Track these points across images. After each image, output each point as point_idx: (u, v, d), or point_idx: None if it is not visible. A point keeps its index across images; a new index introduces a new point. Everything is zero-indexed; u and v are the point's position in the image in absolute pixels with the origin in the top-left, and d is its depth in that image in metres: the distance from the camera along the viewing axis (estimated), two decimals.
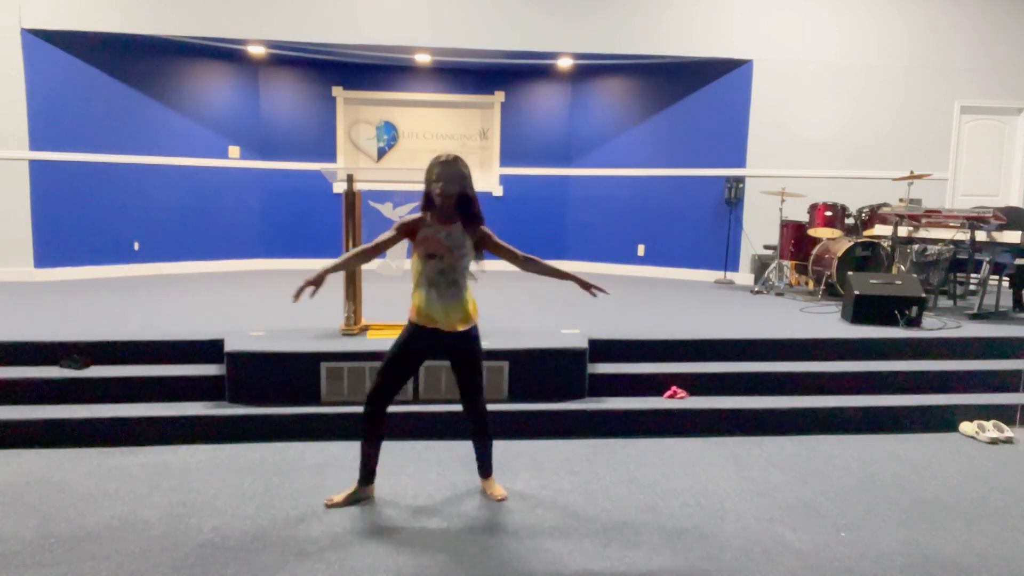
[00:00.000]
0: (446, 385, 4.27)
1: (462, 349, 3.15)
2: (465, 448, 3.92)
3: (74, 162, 7.59)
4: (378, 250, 3.11)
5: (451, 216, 3.05)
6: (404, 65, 8.71)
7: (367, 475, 3.28)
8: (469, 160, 3.13)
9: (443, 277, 3.04)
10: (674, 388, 4.48)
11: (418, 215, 3.09)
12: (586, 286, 3.21)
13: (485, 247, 3.13)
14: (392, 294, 5.88)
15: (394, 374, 3.14)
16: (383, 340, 4.54)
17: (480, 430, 3.32)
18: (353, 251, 3.20)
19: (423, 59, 8.39)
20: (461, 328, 3.10)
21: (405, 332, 3.16)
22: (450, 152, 3.05)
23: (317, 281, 2.95)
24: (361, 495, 3.28)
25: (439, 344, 3.13)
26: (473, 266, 3.15)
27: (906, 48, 7.98)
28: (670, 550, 2.88)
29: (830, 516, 3.23)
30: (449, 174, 2.98)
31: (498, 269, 3.45)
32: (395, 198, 4.94)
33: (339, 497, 3.25)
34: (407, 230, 3.08)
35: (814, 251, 6.96)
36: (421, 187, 3.06)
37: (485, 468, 3.42)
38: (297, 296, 2.89)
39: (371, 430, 3.21)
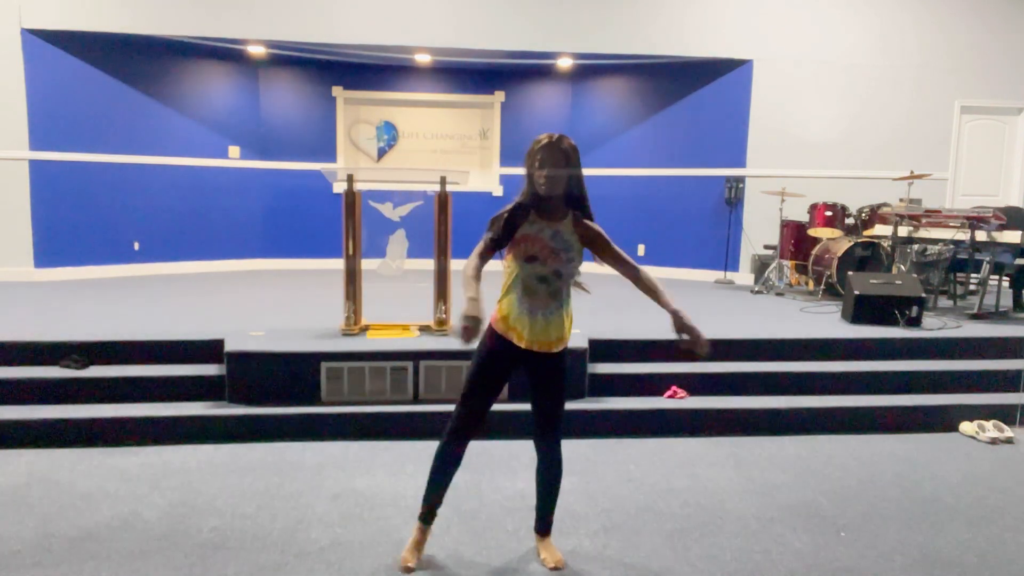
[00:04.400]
0: (446, 385, 4.27)
1: (549, 369, 2.58)
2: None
3: (74, 162, 7.59)
4: (485, 258, 2.46)
5: (558, 211, 2.50)
6: (404, 65, 8.71)
7: (430, 514, 2.75)
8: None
9: (544, 286, 2.48)
10: (674, 388, 4.48)
11: (515, 205, 2.50)
12: (684, 330, 2.41)
13: (593, 250, 2.54)
14: (392, 294, 5.88)
15: (480, 400, 2.61)
16: (383, 340, 4.54)
17: (549, 470, 2.70)
18: (473, 269, 2.40)
19: (423, 59, 8.38)
20: (555, 349, 2.55)
21: (484, 345, 2.57)
22: (554, 134, 2.46)
23: (479, 312, 2.25)
24: (423, 537, 2.77)
25: (522, 361, 2.58)
26: (580, 273, 2.57)
27: (906, 48, 7.98)
28: (670, 550, 2.88)
29: (830, 516, 3.23)
30: (556, 158, 2.42)
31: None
32: (395, 198, 4.94)
33: (411, 556, 2.71)
34: (508, 225, 2.44)
35: (814, 251, 6.95)
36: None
37: (544, 521, 2.79)
38: (470, 339, 2.25)
39: (448, 468, 2.67)
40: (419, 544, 2.75)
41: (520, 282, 2.50)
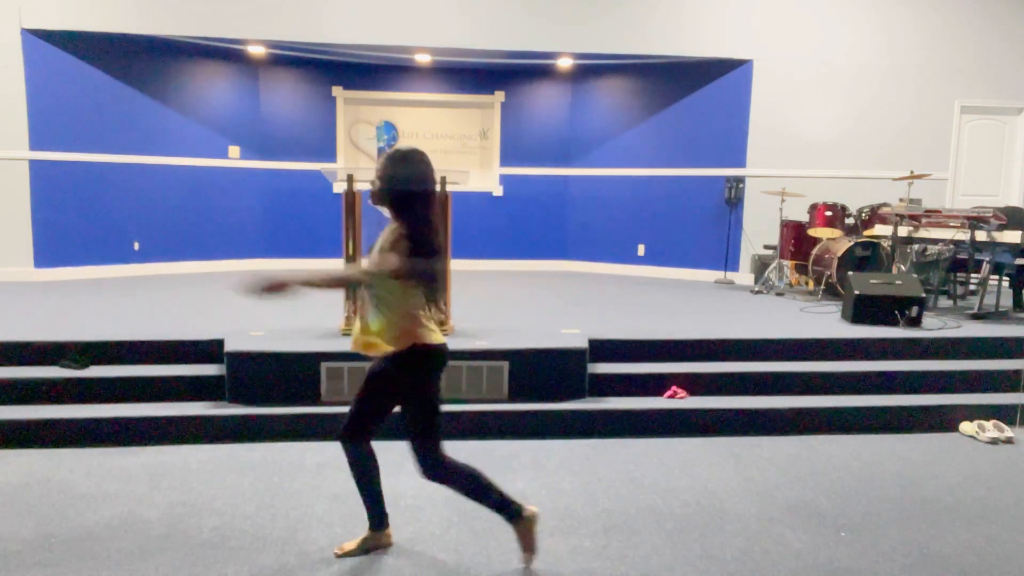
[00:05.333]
0: (444, 384, 4.26)
1: (390, 376, 2.59)
2: (465, 448, 3.92)
3: (74, 162, 7.59)
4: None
5: (393, 218, 2.63)
6: (404, 65, 8.71)
7: (370, 518, 2.82)
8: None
9: (366, 290, 2.59)
10: (674, 388, 4.48)
11: None
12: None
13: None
14: None
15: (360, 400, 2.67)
16: None
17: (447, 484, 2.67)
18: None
19: (423, 59, 8.39)
20: (365, 352, 2.58)
21: None
22: (405, 147, 2.68)
23: (281, 286, 2.34)
24: (373, 542, 2.82)
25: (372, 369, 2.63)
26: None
27: (906, 48, 7.98)
28: (670, 550, 2.88)
29: (830, 516, 3.23)
30: (378, 165, 2.68)
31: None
32: None
33: (350, 544, 2.81)
34: None
35: (814, 251, 6.95)
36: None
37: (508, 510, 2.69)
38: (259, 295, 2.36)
39: (352, 472, 2.73)
40: (363, 542, 2.81)
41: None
